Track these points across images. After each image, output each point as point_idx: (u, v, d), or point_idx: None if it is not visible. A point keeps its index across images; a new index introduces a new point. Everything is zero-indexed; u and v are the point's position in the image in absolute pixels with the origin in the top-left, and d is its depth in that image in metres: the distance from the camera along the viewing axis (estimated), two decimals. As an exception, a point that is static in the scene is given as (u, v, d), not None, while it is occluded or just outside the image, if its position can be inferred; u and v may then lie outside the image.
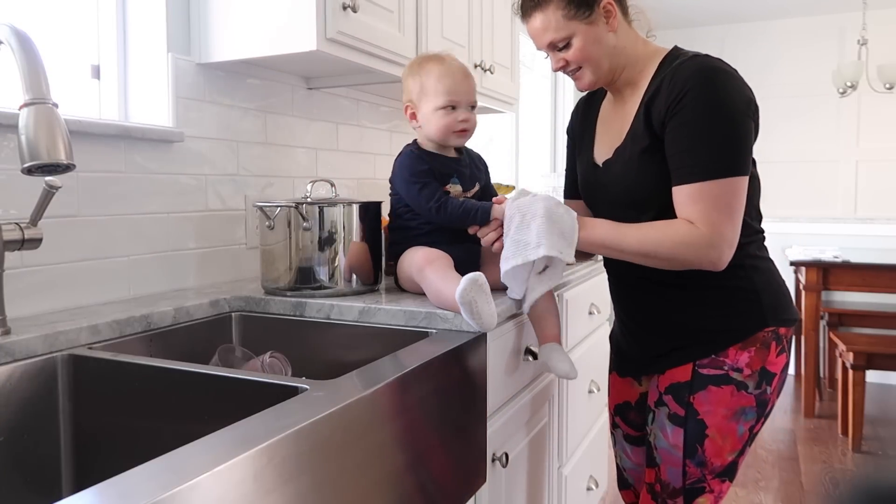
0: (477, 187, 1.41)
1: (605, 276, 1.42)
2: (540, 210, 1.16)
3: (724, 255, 1.12)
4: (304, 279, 1.29)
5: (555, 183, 3.38)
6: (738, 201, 1.12)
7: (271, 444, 0.65)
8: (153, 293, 1.37)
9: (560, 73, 1.29)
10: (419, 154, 1.34)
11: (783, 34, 4.22)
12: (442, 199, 1.26)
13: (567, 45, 1.21)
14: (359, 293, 1.33)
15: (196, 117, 1.46)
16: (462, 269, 1.23)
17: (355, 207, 1.32)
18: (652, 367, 1.30)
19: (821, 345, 3.88)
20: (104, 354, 1.01)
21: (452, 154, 1.40)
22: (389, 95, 2.03)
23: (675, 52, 1.21)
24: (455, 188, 1.34)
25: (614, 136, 1.26)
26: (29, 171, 0.89)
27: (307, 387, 0.82)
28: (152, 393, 0.95)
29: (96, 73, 1.44)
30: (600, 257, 1.32)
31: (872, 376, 3.93)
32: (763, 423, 1.24)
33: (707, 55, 1.17)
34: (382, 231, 1.41)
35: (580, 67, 1.23)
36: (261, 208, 1.31)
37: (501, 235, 1.21)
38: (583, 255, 1.46)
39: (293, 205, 1.28)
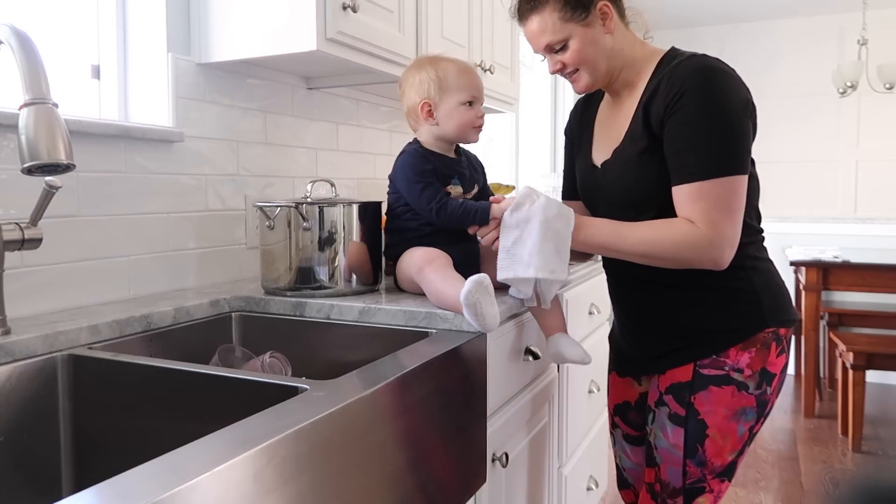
0: (476, 189, 1.41)
1: (605, 276, 1.42)
2: (535, 228, 1.15)
3: (726, 254, 1.13)
4: (304, 279, 1.29)
5: (555, 183, 3.38)
6: (738, 200, 1.12)
7: (271, 444, 0.65)
8: (153, 293, 1.37)
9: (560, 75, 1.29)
10: (423, 153, 1.34)
11: (783, 34, 4.22)
12: (442, 201, 1.26)
13: (564, 48, 1.21)
14: (359, 293, 1.33)
15: (196, 117, 1.46)
16: (461, 268, 1.24)
17: (355, 207, 1.32)
18: (652, 368, 1.31)
19: (821, 345, 3.88)
20: (104, 354, 1.01)
21: (453, 155, 1.40)
22: (389, 95, 2.03)
23: (673, 53, 1.21)
24: (456, 189, 1.35)
25: (612, 137, 1.27)
26: (29, 171, 0.89)
27: (307, 387, 0.82)
28: (152, 393, 0.95)
29: (96, 73, 1.44)
30: (599, 257, 1.32)
31: (872, 376, 3.93)
32: (763, 423, 1.25)
33: (704, 55, 1.17)
34: (382, 231, 1.41)
35: (577, 70, 1.23)
36: (261, 208, 1.31)
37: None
38: (582, 255, 1.46)
39: (293, 205, 1.28)
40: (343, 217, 1.30)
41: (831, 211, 4.16)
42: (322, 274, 1.30)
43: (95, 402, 0.99)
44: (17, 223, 1.01)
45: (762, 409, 1.21)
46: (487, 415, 1.18)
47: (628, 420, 1.45)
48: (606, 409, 1.54)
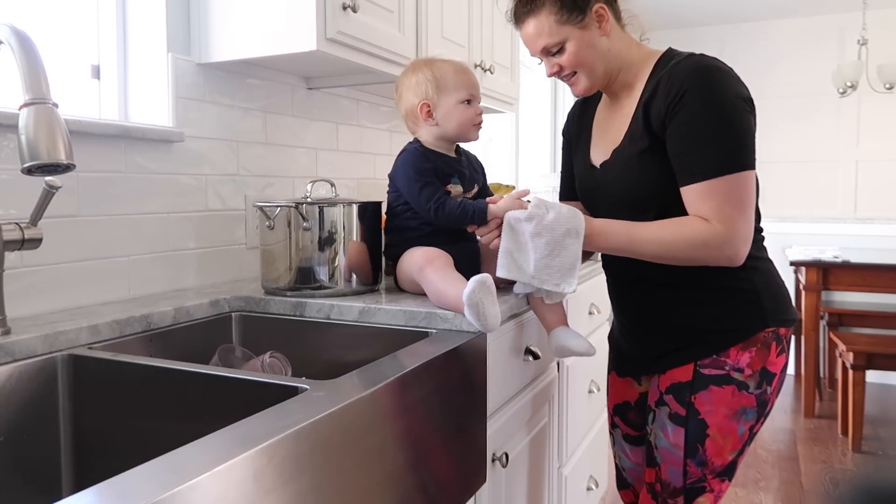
0: (476, 188, 1.42)
1: (604, 275, 1.42)
2: (542, 244, 1.14)
3: (741, 250, 1.13)
4: (304, 279, 1.29)
5: (555, 183, 3.39)
6: (748, 196, 1.12)
7: (271, 444, 0.65)
8: (153, 293, 1.37)
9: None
10: (424, 152, 1.34)
11: (783, 34, 4.22)
12: (441, 200, 1.26)
13: (561, 50, 1.22)
14: (359, 293, 1.33)
15: (196, 117, 1.46)
16: (461, 268, 1.24)
17: (355, 207, 1.32)
18: (652, 367, 1.31)
19: (821, 345, 3.88)
20: (104, 354, 1.01)
21: (453, 154, 1.40)
22: (389, 95, 2.03)
23: (670, 54, 1.22)
24: (456, 188, 1.35)
25: (611, 137, 1.27)
26: (29, 171, 0.89)
27: (307, 387, 0.82)
28: (152, 393, 0.95)
29: (96, 73, 1.44)
30: (599, 257, 1.32)
31: (872, 376, 3.93)
32: (763, 423, 1.25)
33: (702, 54, 1.17)
34: (382, 231, 1.42)
35: (575, 73, 1.24)
36: (261, 208, 1.31)
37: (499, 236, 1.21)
38: (584, 254, 1.46)
39: (293, 205, 1.28)
40: (343, 217, 1.30)
41: (831, 211, 4.16)
42: (322, 274, 1.30)
43: (95, 402, 0.99)
44: (17, 223, 1.01)
45: (762, 408, 1.21)
46: (487, 415, 1.18)
47: (628, 420, 1.45)
48: (606, 409, 1.54)
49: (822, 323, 3.86)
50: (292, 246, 1.29)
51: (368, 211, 1.35)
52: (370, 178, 2.06)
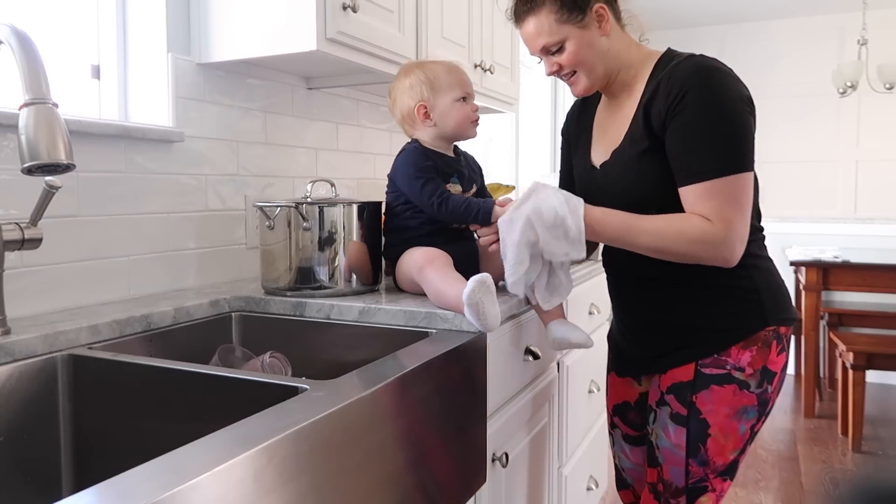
0: (475, 188, 1.43)
1: (605, 275, 1.42)
2: (544, 215, 1.14)
3: (737, 251, 1.13)
4: (304, 279, 1.29)
5: (555, 183, 3.38)
6: (746, 197, 1.13)
7: (271, 444, 0.65)
8: (153, 293, 1.37)
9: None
10: (423, 150, 1.35)
11: (783, 34, 4.22)
12: (444, 195, 1.27)
13: (560, 49, 1.22)
14: (359, 293, 1.33)
15: (196, 117, 1.46)
16: (460, 267, 1.24)
17: (355, 207, 1.32)
18: (653, 367, 1.31)
19: (821, 345, 3.88)
20: (104, 354, 1.01)
21: (452, 154, 1.41)
22: (389, 95, 2.03)
23: (670, 54, 1.22)
24: (455, 187, 1.35)
25: (611, 138, 1.27)
26: (29, 171, 0.89)
27: (307, 387, 0.82)
28: (152, 393, 0.95)
29: (96, 73, 1.44)
30: (600, 257, 1.32)
31: (872, 376, 3.93)
32: (763, 422, 1.25)
33: (702, 55, 1.17)
34: (382, 231, 1.42)
35: (574, 72, 1.24)
36: (261, 208, 1.31)
37: (499, 240, 1.21)
38: (588, 249, 1.46)
39: (293, 205, 1.28)
40: (343, 217, 1.30)
41: (831, 211, 4.16)
42: (322, 274, 1.30)
43: (95, 402, 0.99)
44: (17, 223, 1.01)
45: (763, 407, 1.22)
46: (487, 415, 1.18)
47: (628, 420, 1.45)
48: (606, 409, 1.54)
49: (822, 323, 3.86)
50: (292, 246, 1.29)
51: (368, 211, 1.35)
52: (370, 178, 2.06)
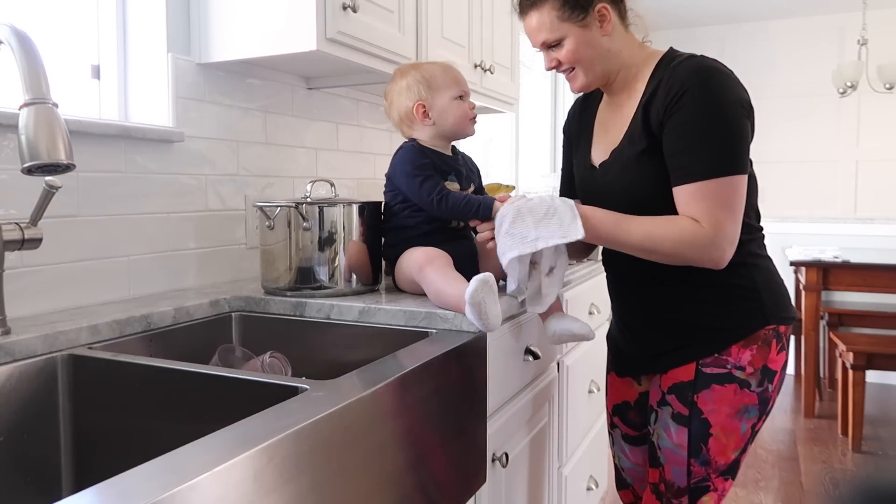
0: (472, 188, 1.43)
1: (604, 275, 1.42)
2: (536, 208, 1.16)
3: (726, 253, 1.13)
4: (304, 279, 1.29)
5: (555, 183, 3.37)
6: (738, 199, 1.13)
7: (271, 444, 0.65)
8: (153, 293, 1.37)
9: (560, 74, 1.30)
10: (420, 149, 1.35)
11: (783, 34, 4.22)
12: (443, 192, 1.28)
13: (560, 46, 1.22)
14: (359, 293, 1.33)
15: (196, 117, 1.46)
16: (459, 266, 1.24)
17: (355, 207, 1.32)
18: (653, 367, 1.31)
19: (821, 345, 3.88)
20: (104, 354, 1.01)
21: (449, 153, 1.41)
22: (389, 95, 2.03)
23: (671, 54, 1.22)
24: (453, 185, 1.35)
25: (611, 138, 1.27)
26: (29, 171, 0.89)
27: (307, 387, 0.82)
28: (152, 393, 0.95)
29: (96, 73, 1.44)
30: (599, 256, 1.33)
31: (872, 376, 3.93)
32: (764, 421, 1.25)
33: (703, 56, 1.17)
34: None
35: (573, 68, 1.24)
36: (261, 208, 1.31)
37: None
38: (582, 252, 1.46)
39: (293, 205, 1.28)
40: (343, 217, 1.30)
41: (831, 211, 4.16)
42: (322, 274, 1.30)
43: (95, 402, 0.99)
44: (17, 223, 1.01)
45: (764, 406, 1.22)
46: (487, 415, 1.18)
47: (627, 420, 1.45)
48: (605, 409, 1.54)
49: (822, 323, 3.86)
50: (292, 246, 1.29)
51: (368, 211, 1.35)
52: (370, 178, 2.06)
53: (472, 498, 1.14)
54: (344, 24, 1.39)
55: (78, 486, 1.00)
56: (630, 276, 1.31)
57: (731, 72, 1.16)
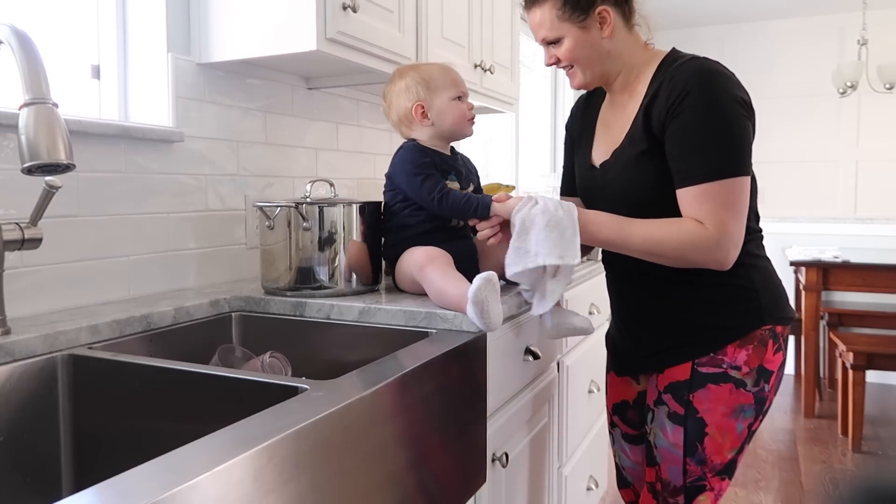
0: (472, 188, 1.43)
1: (604, 275, 1.42)
2: (538, 220, 1.16)
3: (731, 255, 1.13)
4: (304, 279, 1.29)
5: (555, 183, 3.37)
6: (742, 201, 1.13)
7: (271, 444, 0.65)
8: (153, 293, 1.37)
9: (560, 73, 1.31)
10: (421, 148, 1.36)
11: (783, 34, 4.22)
12: (444, 190, 1.28)
13: (559, 43, 1.23)
14: (359, 293, 1.33)
15: (196, 117, 1.46)
16: (459, 266, 1.24)
17: (355, 207, 1.32)
18: (650, 366, 1.31)
19: (821, 345, 3.88)
20: (104, 354, 1.01)
21: (448, 153, 1.41)
22: (389, 95, 2.03)
23: (674, 55, 1.22)
24: (453, 184, 1.36)
25: (613, 138, 1.27)
26: (29, 171, 0.89)
27: (307, 387, 0.82)
28: (152, 393, 0.95)
29: (96, 73, 1.44)
30: (599, 256, 1.33)
31: (872, 376, 3.93)
32: (761, 421, 1.25)
33: (705, 58, 1.17)
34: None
35: (572, 66, 1.25)
36: (261, 208, 1.31)
37: (498, 233, 1.24)
38: (582, 251, 1.46)
39: (293, 205, 1.28)
40: (343, 217, 1.30)
41: (831, 211, 4.16)
42: (322, 274, 1.30)
43: (95, 402, 0.99)
44: (17, 223, 1.01)
45: (760, 406, 1.22)
46: (487, 415, 1.18)
47: (627, 419, 1.45)
48: (606, 408, 1.54)
49: (822, 323, 3.86)
50: (292, 246, 1.29)
51: (368, 211, 1.35)
52: (370, 178, 2.06)
53: (472, 498, 1.14)
54: (344, 23, 1.39)
55: (78, 486, 1.00)
56: (629, 274, 1.31)
57: (732, 74, 1.16)
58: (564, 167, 1.47)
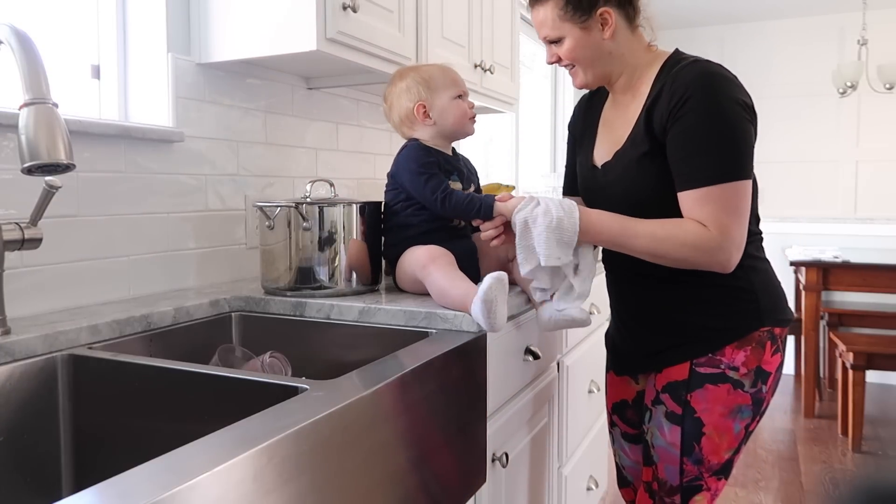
0: (472, 188, 1.44)
1: (604, 275, 1.42)
2: (540, 220, 1.16)
3: (733, 257, 1.13)
4: (304, 279, 1.29)
5: (555, 183, 3.38)
6: (744, 204, 1.13)
7: (271, 444, 0.65)
8: (153, 293, 1.37)
9: (560, 73, 1.31)
10: (425, 147, 1.36)
11: (783, 34, 4.22)
12: (448, 190, 1.28)
13: (560, 42, 1.23)
14: (359, 293, 1.33)
15: (196, 117, 1.46)
16: (460, 265, 1.25)
17: (355, 207, 1.32)
18: (649, 366, 1.31)
19: (821, 345, 3.88)
20: (104, 354, 1.01)
21: (450, 153, 1.41)
22: (389, 95, 2.03)
23: (676, 57, 1.22)
24: (455, 185, 1.36)
25: (615, 138, 1.27)
26: (29, 171, 0.89)
27: (307, 387, 0.82)
28: (152, 393, 0.95)
29: (96, 73, 1.44)
30: (600, 255, 1.33)
31: (872, 376, 3.93)
32: (758, 422, 1.25)
33: (707, 60, 1.18)
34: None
35: (574, 66, 1.25)
36: (261, 208, 1.31)
37: (501, 234, 1.24)
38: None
39: (293, 205, 1.28)
40: (343, 217, 1.30)
41: (831, 211, 4.16)
42: (322, 274, 1.30)
43: (95, 402, 0.99)
44: (17, 223, 1.01)
45: (758, 407, 1.22)
46: (487, 414, 1.18)
47: (626, 418, 1.45)
48: (605, 408, 1.54)
49: (822, 323, 3.86)
50: (292, 246, 1.29)
51: (368, 211, 1.35)
52: (370, 178, 2.06)
53: (473, 498, 1.14)
54: (344, 24, 1.39)
55: (78, 486, 1.00)
56: (629, 274, 1.31)
57: (735, 77, 1.16)
58: (567, 166, 1.47)
